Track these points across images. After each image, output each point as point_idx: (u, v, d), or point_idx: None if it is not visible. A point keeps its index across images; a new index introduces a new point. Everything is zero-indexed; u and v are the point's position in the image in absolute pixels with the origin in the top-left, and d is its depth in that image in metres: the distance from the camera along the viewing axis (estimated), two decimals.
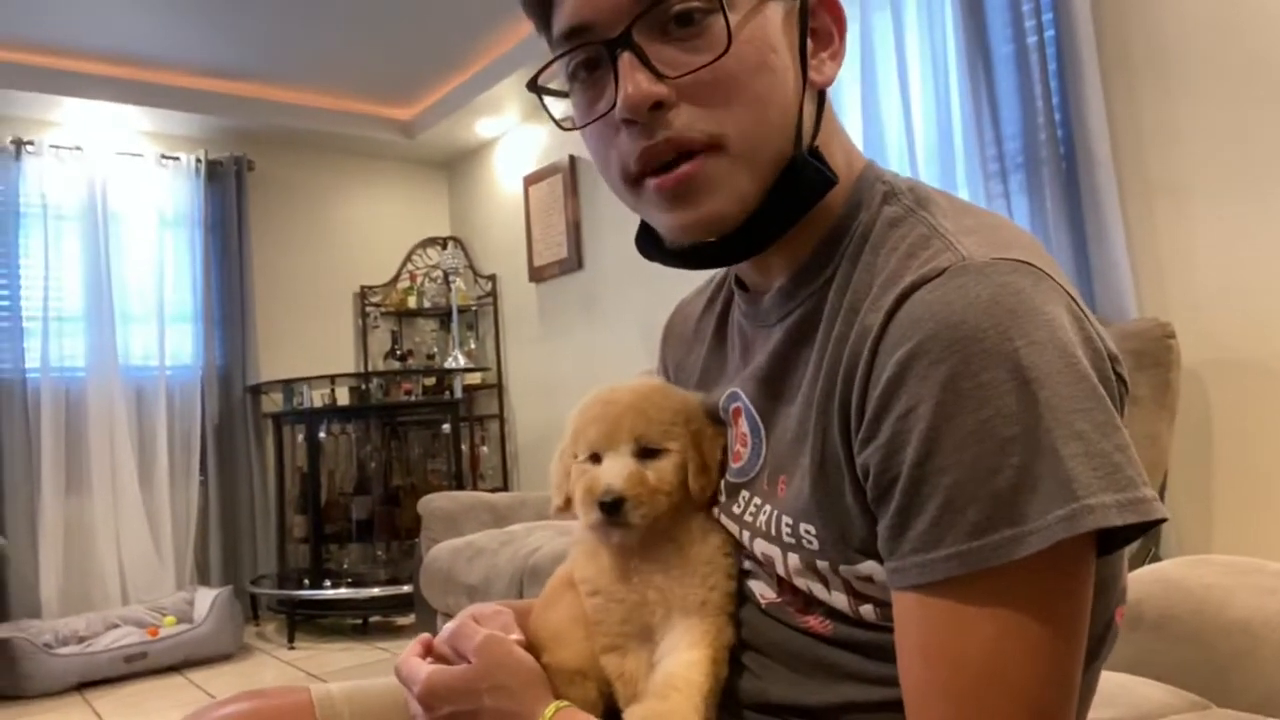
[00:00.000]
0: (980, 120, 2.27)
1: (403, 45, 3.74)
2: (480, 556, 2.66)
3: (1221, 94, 1.95)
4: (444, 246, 4.76)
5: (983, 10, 2.26)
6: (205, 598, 3.55)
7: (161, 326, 3.96)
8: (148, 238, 3.98)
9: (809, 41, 0.64)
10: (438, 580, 2.82)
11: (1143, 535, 0.52)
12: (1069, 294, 0.55)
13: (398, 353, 4.58)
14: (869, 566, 0.58)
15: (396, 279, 4.68)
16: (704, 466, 0.72)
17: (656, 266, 0.72)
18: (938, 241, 0.57)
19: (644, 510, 0.69)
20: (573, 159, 3.98)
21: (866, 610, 0.60)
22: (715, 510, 0.73)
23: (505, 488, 4.42)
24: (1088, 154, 2.07)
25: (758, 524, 0.67)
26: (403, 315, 4.67)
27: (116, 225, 3.90)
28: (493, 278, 4.58)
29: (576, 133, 0.67)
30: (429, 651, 0.75)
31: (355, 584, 3.71)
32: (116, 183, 3.91)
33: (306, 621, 3.87)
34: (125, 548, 3.75)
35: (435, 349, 4.64)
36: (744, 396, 0.71)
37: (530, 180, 4.26)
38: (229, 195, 4.16)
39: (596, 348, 3.90)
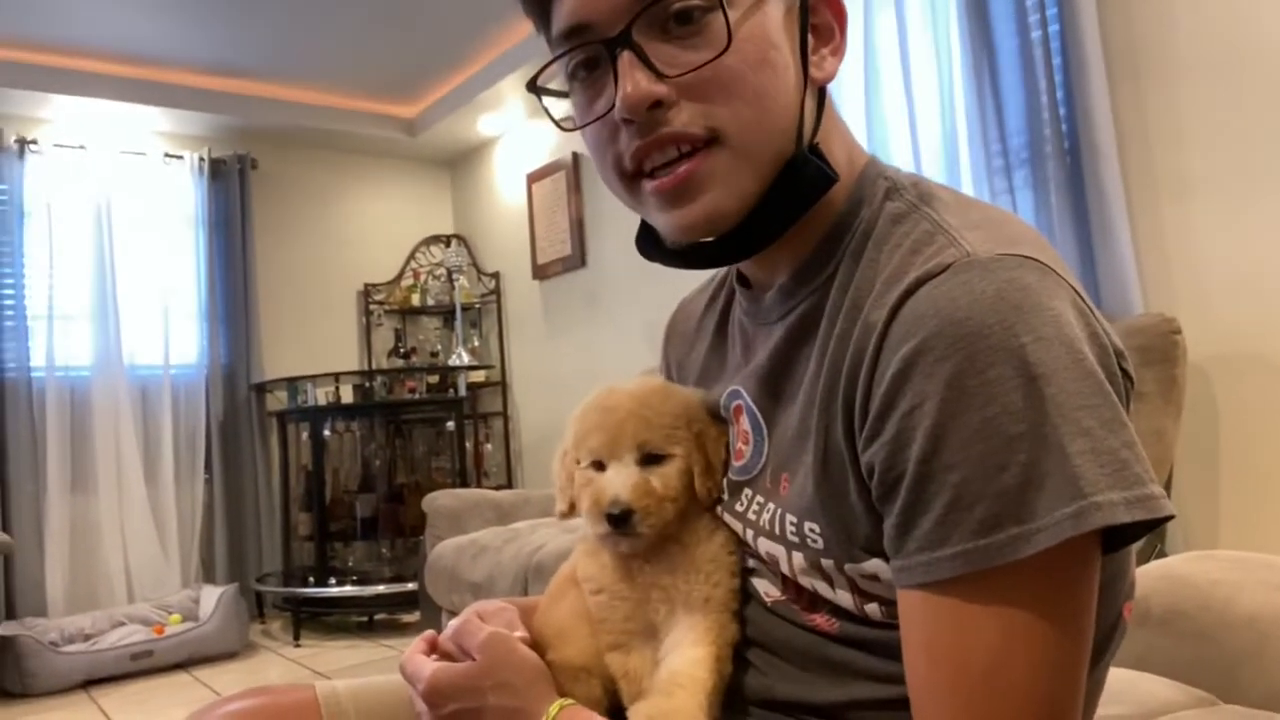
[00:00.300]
0: (985, 115, 2.26)
1: (405, 43, 3.74)
2: (484, 554, 2.66)
3: (1227, 88, 1.94)
4: (447, 244, 4.76)
5: (987, 5, 2.26)
6: (211, 595, 3.55)
7: (166, 325, 3.96)
8: (151, 236, 3.99)
9: (810, 38, 0.64)
10: (442, 578, 2.83)
11: (1150, 532, 0.52)
12: (1074, 289, 0.55)
13: (401, 350, 4.58)
14: (874, 565, 0.58)
15: (400, 277, 4.69)
16: (709, 467, 0.71)
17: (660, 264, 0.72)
18: (941, 237, 0.57)
19: (652, 520, 0.68)
20: (576, 156, 3.98)
21: (872, 609, 0.60)
22: (718, 508, 0.72)
23: (509, 485, 4.42)
24: (1092, 149, 2.06)
25: (761, 522, 0.67)
26: (406, 313, 4.67)
27: (120, 224, 3.90)
28: (496, 275, 4.58)
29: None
30: (434, 649, 0.75)
31: (360, 581, 3.72)
32: (120, 182, 3.91)
33: (312, 619, 3.87)
34: (131, 546, 3.76)
35: (439, 347, 4.64)
36: (745, 394, 0.71)
37: (533, 177, 4.25)
38: (232, 194, 4.16)
39: (600, 345, 3.90)
